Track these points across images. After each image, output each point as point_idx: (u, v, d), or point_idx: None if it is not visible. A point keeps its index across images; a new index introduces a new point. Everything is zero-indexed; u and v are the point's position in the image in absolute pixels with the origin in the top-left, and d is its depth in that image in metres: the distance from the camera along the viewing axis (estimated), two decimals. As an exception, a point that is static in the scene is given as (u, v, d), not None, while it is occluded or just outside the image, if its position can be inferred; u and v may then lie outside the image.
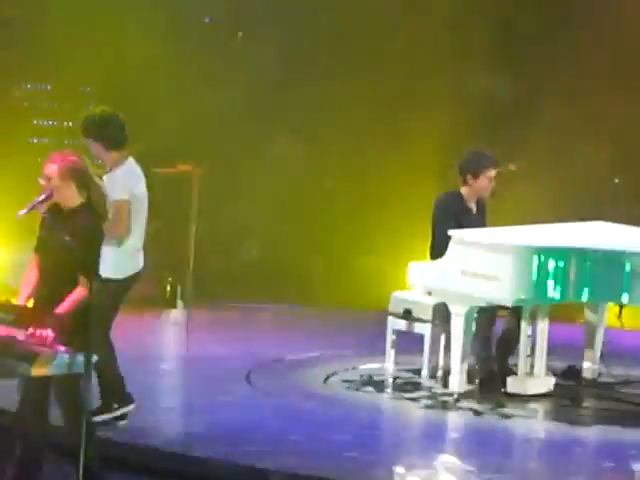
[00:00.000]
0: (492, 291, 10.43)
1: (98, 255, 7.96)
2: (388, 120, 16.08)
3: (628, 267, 10.67)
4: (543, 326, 11.05)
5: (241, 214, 15.79)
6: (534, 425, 10.46)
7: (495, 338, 11.17)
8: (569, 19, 15.99)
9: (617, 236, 11.30)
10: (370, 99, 16.16)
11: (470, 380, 10.96)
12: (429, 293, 11.07)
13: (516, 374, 10.89)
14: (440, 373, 11.16)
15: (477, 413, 10.43)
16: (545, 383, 10.97)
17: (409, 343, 11.20)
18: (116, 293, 9.31)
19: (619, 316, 12.30)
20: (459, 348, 10.65)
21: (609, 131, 15.79)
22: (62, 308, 7.67)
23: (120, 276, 9.44)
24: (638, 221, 12.05)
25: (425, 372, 11.06)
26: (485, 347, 11.04)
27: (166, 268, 15.16)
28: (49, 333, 7.42)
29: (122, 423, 9.19)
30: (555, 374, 11.19)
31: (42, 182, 7.99)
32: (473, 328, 10.73)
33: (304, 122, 16.12)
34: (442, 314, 10.93)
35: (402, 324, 11.08)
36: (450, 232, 10.65)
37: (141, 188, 9.65)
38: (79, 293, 7.73)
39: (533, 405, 10.74)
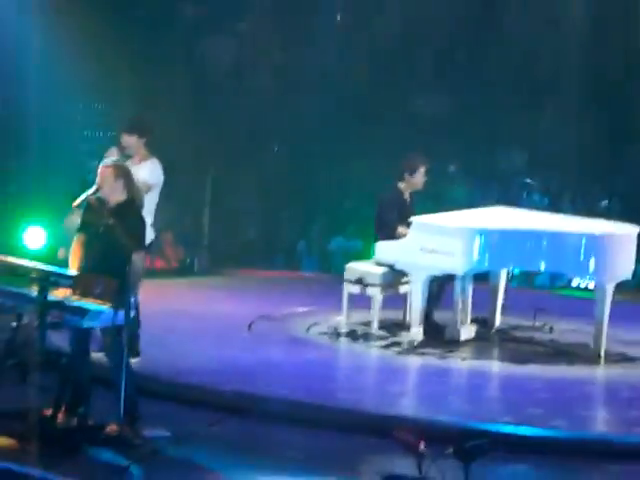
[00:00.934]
0: (446, 263, 10.60)
1: (144, 237, 8.18)
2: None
3: (545, 243, 10.74)
4: (469, 289, 11.31)
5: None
6: (467, 360, 10.52)
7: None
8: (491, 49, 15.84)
9: (530, 219, 11.41)
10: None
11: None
12: (378, 264, 11.15)
13: (439, 326, 11.13)
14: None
15: (428, 354, 10.52)
16: (470, 331, 11.20)
17: (361, 303, 11.26)
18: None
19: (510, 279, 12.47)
20: (418, 307, 10.76)
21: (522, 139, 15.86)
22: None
23: None
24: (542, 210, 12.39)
25: (375, 325, 11.02)
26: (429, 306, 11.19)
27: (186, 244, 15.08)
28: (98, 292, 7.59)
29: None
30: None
31: (98, 180, 8.09)
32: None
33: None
34: (387, 280, 11.07)
35: (356, 288, 11.10)
36: (412, 219, 10.84)
37: (161, 177, 9.68)
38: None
39: (465, 346, 10.87)
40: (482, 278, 11.59)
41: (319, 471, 7.57)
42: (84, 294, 7.61)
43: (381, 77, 15.88)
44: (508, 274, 11.95)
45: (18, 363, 8.16)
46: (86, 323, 7.62)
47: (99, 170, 8.15)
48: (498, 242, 10.69)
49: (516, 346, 11.17)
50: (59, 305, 7.60)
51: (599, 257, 10.86)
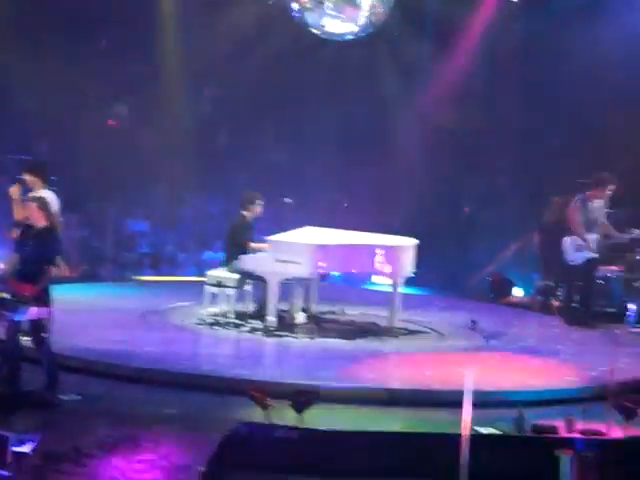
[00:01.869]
0: (296, 270, 10.86)
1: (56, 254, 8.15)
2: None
3: (359, 252, 11.29)
4: (310, 285, 11.69)
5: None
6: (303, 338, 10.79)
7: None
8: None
9: (342, 236, 11.65)
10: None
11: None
12: (230, 271, 11.28)
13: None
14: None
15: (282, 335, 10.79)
16: (303, 317, 11.45)
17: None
18: None
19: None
20: (273, 302, 10.98)
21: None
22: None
23: None
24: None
25: (233, 315, 11.27)
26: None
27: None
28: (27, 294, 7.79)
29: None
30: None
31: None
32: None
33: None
34: (239, 283, 11.34)
35: (215, 289, 11.33)
36: (268, 238, 11.06)
37: (56, 205, 9.37)
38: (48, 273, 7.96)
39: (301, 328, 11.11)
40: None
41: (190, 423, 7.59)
42: (15, 295, 7.80)
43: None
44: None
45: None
46: (17, 317, 7.81)
47: (27, 204, 8.24)
48: (330, 253, 11.02)
49: (333, 326, 11.42)
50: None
51: (395, 261, 11.46)
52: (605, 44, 13.86)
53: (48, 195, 9.28)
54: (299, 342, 10.70)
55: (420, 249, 11.74)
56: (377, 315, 12.02)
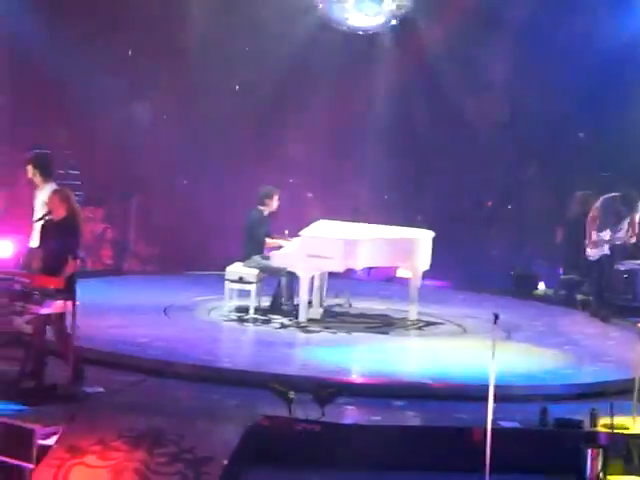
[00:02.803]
0: (329, 265, 10.89)
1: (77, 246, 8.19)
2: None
3: (386, 246, 11.27)
4: (324, 280, 11.73)
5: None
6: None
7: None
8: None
9: (366, 230, 11.63)
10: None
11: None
12: (247, 267, 11.22)
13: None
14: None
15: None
16: (320, 311, 11.50)
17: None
18: None
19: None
20: (305, 298, 10.92)
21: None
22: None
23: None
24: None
25: (252, 310, 11.19)
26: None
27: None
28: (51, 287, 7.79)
29: None
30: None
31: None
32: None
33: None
34: (258, 278, 11.26)
35: (236, 285, 11.28)
36: (301, 232, 11.06)
37: None
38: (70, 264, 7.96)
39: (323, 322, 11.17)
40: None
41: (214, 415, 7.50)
42: (39, 289, 7.77)
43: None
44: None
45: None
46: (42, 310, 7.81)
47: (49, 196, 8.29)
48: (361, 248, 10.96)
49: (354, 319, 11.46)
50: (24, 297, 7.71)
51: (413, 254, 11.51)
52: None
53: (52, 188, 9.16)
54: (340, 336, 10.67)
55: (443, 243, 11.72)
56: (391, 308, 12.07)
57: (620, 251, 12.45)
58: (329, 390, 7.64)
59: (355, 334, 10.83)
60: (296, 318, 11.03)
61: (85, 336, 8.31)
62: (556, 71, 14.48)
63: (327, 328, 10.94)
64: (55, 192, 8.30)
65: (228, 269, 11.40)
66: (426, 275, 12.05)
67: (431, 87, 15.19)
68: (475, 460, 6.79)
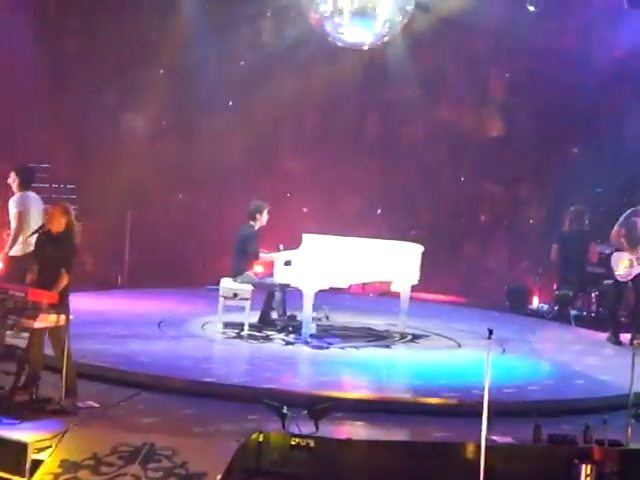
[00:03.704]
0: (334, 281, 10.84)
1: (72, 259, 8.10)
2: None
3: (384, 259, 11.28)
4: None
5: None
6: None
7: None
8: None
9: (361, 245, 11.57)
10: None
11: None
12: (240, 282, 11.15)
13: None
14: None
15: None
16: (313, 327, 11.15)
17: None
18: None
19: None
20: (309, 313, 10.83)
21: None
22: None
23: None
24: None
25: (247, 326, 11.05)
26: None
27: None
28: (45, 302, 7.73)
29: None
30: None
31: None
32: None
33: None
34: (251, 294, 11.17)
35: (231, 302, 11.19)
36: (305, 249, 10.95)
37: (26, 205, 10.15)
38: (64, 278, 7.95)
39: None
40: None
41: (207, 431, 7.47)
42: (33, 303, 7.67)
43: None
44: None
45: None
46: (36, 324, 7.72)
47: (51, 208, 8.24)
48: (363, 263, 10.99)
49: (349, 333, 11.43)
50: (17, 310, 7.64)
51: (410, 266, 11.53)
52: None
53: (30, 196, 10.19)
54: (356, 352, 10.65)
55: (438, 257, 11.71)
56: (388, 322, 12.07)
57: None
58: (323, 405, 7.61)
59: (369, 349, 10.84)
60: (293, 333, 11.02)
61: (78, 350, 8.26)
62: (550, 86, 14.53)
63: (330, 344, 10.86)
64: (57, 205, 8.26)
65: (222, 285, 11.33)
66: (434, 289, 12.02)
67: (425, 101, 15.22)
68: (470, 476, 6.77)
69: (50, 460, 6.62)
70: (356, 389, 9.00)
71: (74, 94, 14.45)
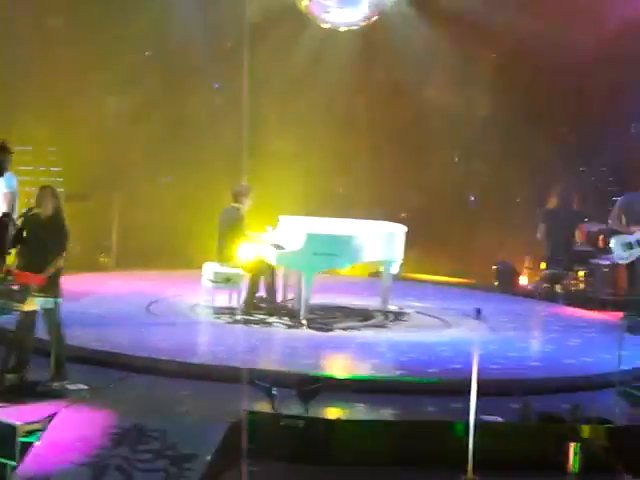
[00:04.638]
0: (336, 262, 10.77)
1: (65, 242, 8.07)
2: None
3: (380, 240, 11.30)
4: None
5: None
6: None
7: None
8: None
9: (355, 225, 11.65)
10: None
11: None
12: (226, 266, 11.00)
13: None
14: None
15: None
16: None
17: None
18: None
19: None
20: (308, 297, 10.70)
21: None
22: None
23: None
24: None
25: (240, 311, 10.96)
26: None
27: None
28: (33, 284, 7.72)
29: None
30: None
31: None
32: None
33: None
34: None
35: (219, 285, 11.03)
36: (305, 230, 10.76)
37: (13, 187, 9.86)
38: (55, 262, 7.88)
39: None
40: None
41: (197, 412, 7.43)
42: (24, 285, 7.71)
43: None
44: None
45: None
46: (25, 308, 7.74)
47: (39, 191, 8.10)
48: (360, 243, 10.89)
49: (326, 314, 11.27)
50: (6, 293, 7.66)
51: (398, 246, 11.58)
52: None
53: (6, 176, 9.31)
54: (362, 334, 10.63)
55: (426, 238, 11.71)
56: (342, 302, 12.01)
57: None
58: (313, 385, 7.61)
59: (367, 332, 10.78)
60: (288, 317, 10.92)
61: (68, 333, 8.23)
62: (539, 66, 14.52)
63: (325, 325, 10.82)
64: (46, 188, 8.16)
65: (214, 270, 11.10)
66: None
67: (412, 83, 15.19)
68: (459, 455, 6.79)
69: (40, 443, 6.63)
70: (350, 369, 9.05)
71: (59, 75, 14.31)
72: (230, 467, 6.77)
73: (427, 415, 7.76)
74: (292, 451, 7.06)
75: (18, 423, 6.70)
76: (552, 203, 13.99)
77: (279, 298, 11.57)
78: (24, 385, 7.79)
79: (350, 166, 15.85)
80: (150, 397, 7.87)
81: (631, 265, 11.41)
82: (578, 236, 13.53)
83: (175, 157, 15.23)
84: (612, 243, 11.56)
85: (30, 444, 6.64)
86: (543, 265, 14.38)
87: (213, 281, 11.07)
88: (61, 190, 9.46)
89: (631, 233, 11.26)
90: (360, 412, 7.85)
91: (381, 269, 11.94)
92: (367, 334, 10.70)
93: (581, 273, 13.60)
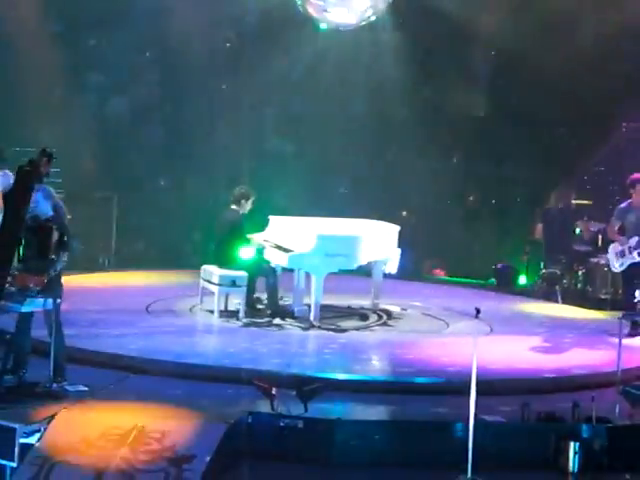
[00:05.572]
0: (345, 263, 10.72)
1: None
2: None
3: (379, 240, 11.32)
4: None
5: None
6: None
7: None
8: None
9: (356, 225, 11.68)
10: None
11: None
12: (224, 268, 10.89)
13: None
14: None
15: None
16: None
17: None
18: None
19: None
20: (319, 298, 10.67)
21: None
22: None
23: None
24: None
25: (242, 313, 10.85)
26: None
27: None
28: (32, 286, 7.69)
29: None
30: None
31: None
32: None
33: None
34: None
35: (228, 289, 10.89)
36: (316, 232, 10.68)
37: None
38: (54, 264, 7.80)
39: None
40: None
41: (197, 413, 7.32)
42: (23, 287, 7.64)
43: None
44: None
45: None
46: (24, 308, 7.72)
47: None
48: (367, 243, 10.95)
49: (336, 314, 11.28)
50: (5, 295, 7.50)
51: (393, 244, 11.60)
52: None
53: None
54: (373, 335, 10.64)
55: (425, 237, 11.71)
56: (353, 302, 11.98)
57: None
58: (312, 386, 7.59)
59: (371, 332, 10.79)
60: (290, 318, 10.87)
61: (67, 334, 8.21)
62: (534, 68, 14.50)
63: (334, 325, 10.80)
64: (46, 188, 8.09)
65: (218, 272, 10.94)
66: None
67: (410, 83, 15.18)
68: (459, 454, 6.78)
69: (39, 444, 6.57)
70: (349, 370, 8.94)
71: (59, 76, 14.31)
72: (230, 467, 6.75)
73: (427, 415, 7.72)
74: (292, 451, 7.03)
75: (18, 424, 6.66)
76: (551, 203, 13.95)
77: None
78: (23, 386, 7.76)
79: (350, 166, 15.81)
80: (150, 397, 7.76)
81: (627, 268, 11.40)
82: (585, 228, 13.48)
83: (175, 157, 15.22)
84: (608, 251, 11.55)
85: (30, 445, 6.60)
86: (542, 264, 14.34)
87: (219, 284, 10.92)
88: (61, 190, 9.39)
89: (623, 243, 11.20)
90: (359, 412, 7.84)
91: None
92: (366, 334, 10.71)
93: (580, 272, 13.56)
